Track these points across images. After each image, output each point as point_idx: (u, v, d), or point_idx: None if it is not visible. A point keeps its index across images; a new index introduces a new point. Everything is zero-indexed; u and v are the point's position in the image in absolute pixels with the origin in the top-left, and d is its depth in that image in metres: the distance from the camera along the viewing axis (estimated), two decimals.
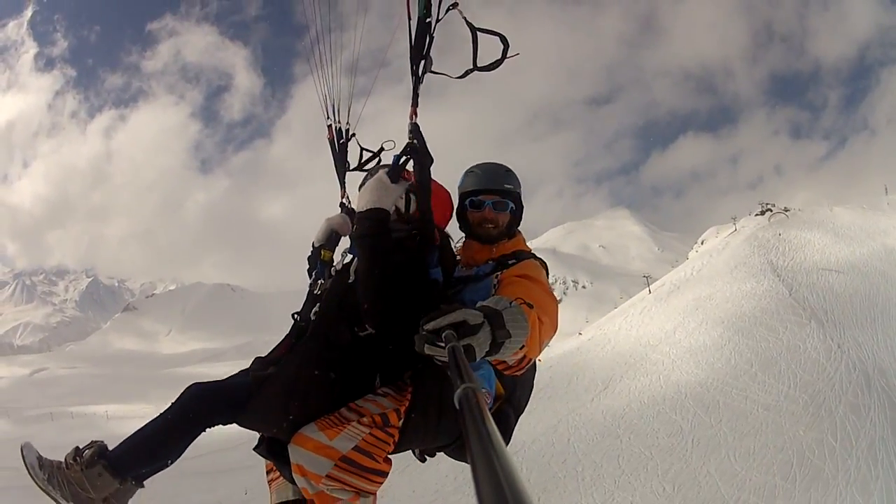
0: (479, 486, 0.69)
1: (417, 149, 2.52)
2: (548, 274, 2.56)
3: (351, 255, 2.72)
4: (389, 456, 2.39)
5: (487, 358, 1.86)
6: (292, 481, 2.46)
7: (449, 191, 2.79)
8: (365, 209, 2.42)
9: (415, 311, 2.00)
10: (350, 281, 2.57)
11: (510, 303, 1.92)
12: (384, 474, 2.35)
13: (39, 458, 2.35)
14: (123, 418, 57.87)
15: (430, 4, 2.47)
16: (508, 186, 2.66)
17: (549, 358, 38.33)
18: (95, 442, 2.39)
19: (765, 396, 22.37)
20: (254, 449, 2.58)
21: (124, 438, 2.39)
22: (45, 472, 2.31)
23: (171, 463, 2.43)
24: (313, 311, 2.70)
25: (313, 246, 2.93)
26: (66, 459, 2.34)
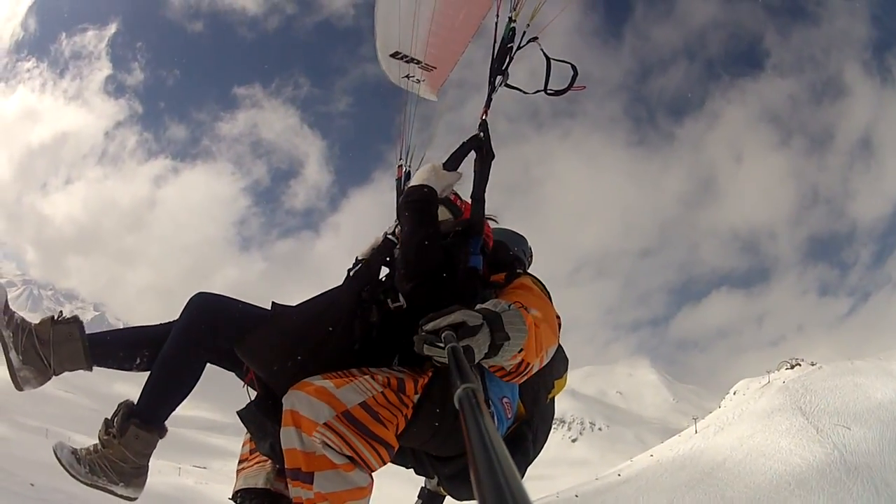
0: (480, 486, 0.69)
1: (483, 141, 2.68)
2: (547, 292, 2.53)
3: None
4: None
5: (486, 362, 1.87)
6: (269, 455, 2.34)
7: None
8: (418, 184, 2.48)
9: (450, 294, 2.05)
10: (395, 247, 2.57)
11: (509, 306, 1.92)
12: (390, 448, 2.06)
13: (74, 452, 2.22)
14: None
15: (515, 32, 2.85)
16: None
17: (612, 481, 44.62)
18: (121, 404, 2.28)
19: (799, 502, 29.41)
20: (238, 412, 2.34)
21: (143, 386, 2.27)
22: (85, 464, 2.19)
23: (188, 394, 2.33)
24: (352, 270, 2.66)
25: (357, 259, 2.83)
26: (99, 439, 2.24)
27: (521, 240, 3.18)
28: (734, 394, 63.82)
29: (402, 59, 3.85)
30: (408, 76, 3.91)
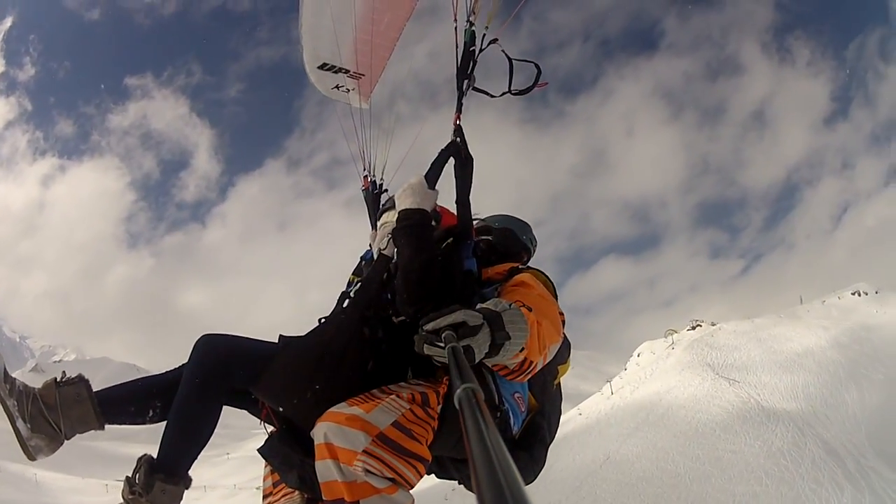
0: (480, 486, 0.68)
1: (460, 146, 2.71)
2: (552, 285, 2.57)
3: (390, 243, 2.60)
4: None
5: (487, 361, 1.88)
6: (299, 487, 2.28)
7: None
8: (410, 208, 2.46)
9: (449, 300, 1.99)
10: (392, 264, 2.53)
11: (509, 305, 1.92)
12: (425, 462, 2.08)
13: None
14: (52, 486, 56.39)
15: (475, 36, 2.88)
16: None
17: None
18: (141, 459, 2.20)
19: (730, 445, 31.26)
20: (258, 450, 2.37)
21: (161, 437, 2.21)
22: None
23: (209, 439, 2.28)
24: (353, 290, 2.65)
25: (351, 280, 2.93)
26: (124, 498, 2.17)
27: (526, 227, 3.14)
28: (639, 356, 67.77)
29: (329, 69, 3.95)
30: (338, 86, 4.03)
